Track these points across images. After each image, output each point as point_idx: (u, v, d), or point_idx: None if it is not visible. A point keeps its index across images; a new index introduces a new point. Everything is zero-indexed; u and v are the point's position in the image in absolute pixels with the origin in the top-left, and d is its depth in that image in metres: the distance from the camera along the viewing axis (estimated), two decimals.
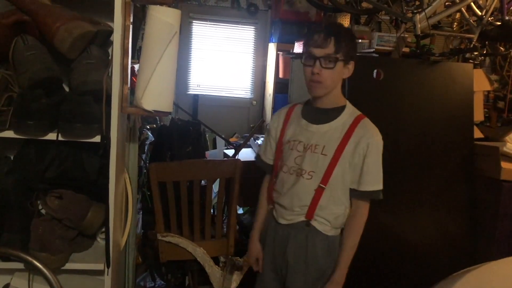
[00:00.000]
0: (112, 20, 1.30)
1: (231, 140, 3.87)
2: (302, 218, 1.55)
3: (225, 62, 4.54)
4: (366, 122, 1.56)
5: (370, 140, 1.51)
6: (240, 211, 3.03)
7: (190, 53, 4.42)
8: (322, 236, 1.55)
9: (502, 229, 2.35)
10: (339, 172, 1.52)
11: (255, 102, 4.65)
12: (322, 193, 1.52)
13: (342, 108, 1.57)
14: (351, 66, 1.53)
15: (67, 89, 1.47)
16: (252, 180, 1.85)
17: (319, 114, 1.57)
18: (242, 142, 3.21)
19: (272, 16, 4.30)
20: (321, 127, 1.55)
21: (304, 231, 1.55)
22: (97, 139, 1.31)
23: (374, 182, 1.53)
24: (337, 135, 1.52)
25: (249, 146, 3.33)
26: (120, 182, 1.53)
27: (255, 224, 1.72)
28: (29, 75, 1.28)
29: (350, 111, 1.57)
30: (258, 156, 1.76)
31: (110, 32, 1.42)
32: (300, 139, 1.56)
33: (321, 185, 1.52)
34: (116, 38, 1.30)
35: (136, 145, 1.91)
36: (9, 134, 1.27)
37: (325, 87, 1.51)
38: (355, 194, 1.55)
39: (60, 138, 1.28)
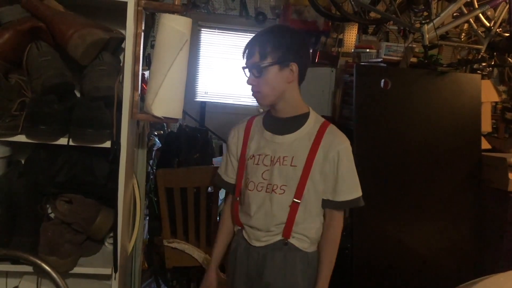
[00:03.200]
0: (124, 27, 1.32)
1: None
2: (279, 238, 1.43)
3: (232, 70, 4.57)
4: (333, 128, 1.45)
5: (340, 146, 1.41)
6: None
7: (198, 61, 4.46)
8: (302, 254, 1.43)
9: (509, 240, 2.33)
10: (312, 184, 1.41)
11: (261, 109, 4.65)
12: (297, 208, 1.40)
13: (306, 115, 1.45)
14: (293, 67, 1.38)
15: (79, 94, 1.49)
16: None
17: (282, 124, 1.45)
18: None
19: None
20: (287, 137, 1.43)
21: (282, 250, 1.43)
22: (107, 144, 1.32)
23: (352, 190, 1.43)
24: (305, 144, 1.42)
25: None
26: (128, 188, 1.54)
27: (214, 253, 1.60)
28: (42, 81, 1.30)
29: (314, 118, 1.46)
30: (218, 176, 1.60)
31: (122, 39, 1.44)
32: (266, 152, 1.44)
33: (295, 200, 1.40)
34: (128, 45, 1.32)
35: (144, 151, 1.93)
36: (21, 138, 1.28)
37: (266, 96, 1.41)
38: (331, 205, 1.44)
39: (71, 143, 1.29)
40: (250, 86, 1.43)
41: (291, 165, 1.40)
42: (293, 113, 1.45)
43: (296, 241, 1.43)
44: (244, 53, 1.43)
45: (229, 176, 1.57)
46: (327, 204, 1.44)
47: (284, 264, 1.43)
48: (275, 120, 1.48)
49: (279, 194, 1.41)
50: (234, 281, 1.52)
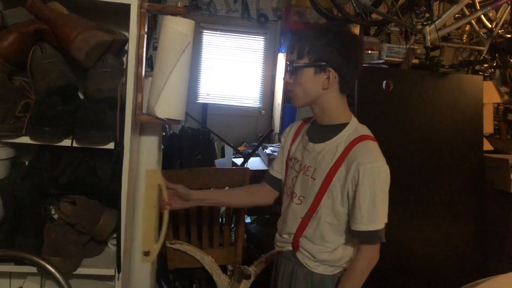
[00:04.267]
0: (127, 29, 1.33)
1: (240, 149, 3.89)
2: (290, 248, 1.39)
3: (234, 71, 4.58)
4: (367, 144, 1.28)
5: (365, 166, 1.23)
6: (248, 220, 3.03)
7: (200, 62, 4.47)
8: (306, 271, 1.36)
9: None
10: (330, 201, 1.30)
11: (263, 111, 4.67)
12: (308, 222, 1.33)
13: (344, 125, 1.32)
14: (331, 73, 1.27)
15: (82, 96, 1.50)
16: None
17: (319, 132, 1.37)
18: (250, 151, 3.22)
19: (282, 27, 4.34)
20: (316, 147, 1.35)
21: (291, 262, 1.40)
22: (110, 145, 1.33)
23: (367, 220, 1.24)
24: (330, 157, 1.30)
25: (258, 155, 3.34)
26: (132, 188, 1.55)
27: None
28: (46, 83, 1.31)
29: (352, 130, 1.32)
30: (267, 171, 1.59)
31: (125, 41, 1.45)
32: (298, 158, 1.40)
33: (308, 213, 1.32)
34: (131, 47, 1.33)
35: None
36: (25, 140, 1.29)
37: (297, 97, 1.33)
38: (352, 234, 1.31)
39: (74, 144, 1.30)
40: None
41: (311, 177, 1.33)
42: (331, 122, 1.34)
43: (302, 256, 1.37)
44: (287, 47, 1.40)
45: (274, 169, 1.55)
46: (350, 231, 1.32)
47: (291, 276, 1.40)
48: (315, 126, 1.41)
49: (296, 204, 1.37)
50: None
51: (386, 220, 1.29)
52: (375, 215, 1.25)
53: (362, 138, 1.29)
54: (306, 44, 1.28)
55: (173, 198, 1.53)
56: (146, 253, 1.47)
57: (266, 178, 1.58)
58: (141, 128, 1.54)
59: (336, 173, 1.28)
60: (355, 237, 1.31)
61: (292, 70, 1.32)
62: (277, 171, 1.54)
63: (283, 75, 1.40)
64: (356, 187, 1.25)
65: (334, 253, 1.34)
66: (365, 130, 1.35)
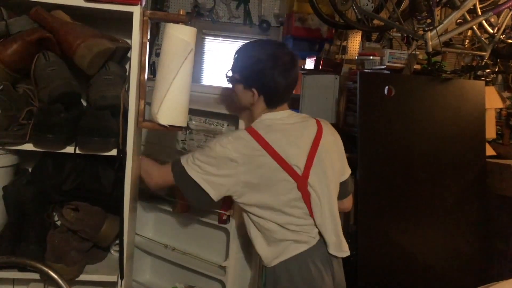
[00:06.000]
0: (130, 37, 1.34)
1: None
2: None
3: None
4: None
5: None
6: None
7: (202, 69, 4.48)
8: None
9: None
10: None
11: None
12: None
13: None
14: (255, 91, 1.41)
15: (85, 104, 1.51)
16: None
17: None
18: None
19: (283, 33, 4.35)
20: None
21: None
22: (113, 152, 1.34)
23: None
24: None
25: None
26: (134, 195, 1.56)
27: None
28: (49, 90, 1.32)
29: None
30: None
31: (128, 48, 1.46)
32: None
33: None
34: (134, 54, 1.34)
35: None
36: (29, 147, 1.30)
37: (235, 101, 1.53)
38: None
39: (77, 151, 1.31)
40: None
41: None
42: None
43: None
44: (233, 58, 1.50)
45: None
46: None
47: None
48: None
49: None
50: None
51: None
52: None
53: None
54: (236, 63, 1.46)
55: None
56: None
57: None
58: None
59: None
60: None
61: (228, 80, 1.49)
62: None
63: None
64: None
65: (255, 247, 1.44)
66: (256, 125, 1.42)
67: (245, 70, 1.42)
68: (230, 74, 1.47)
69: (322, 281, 1.38)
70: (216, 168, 1.33)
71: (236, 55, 1.47)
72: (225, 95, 1.72)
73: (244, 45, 1.48)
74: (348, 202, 1.63)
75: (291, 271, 1.38)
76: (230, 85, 1.50)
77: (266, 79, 1.38)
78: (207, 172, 1.34)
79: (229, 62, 1.49)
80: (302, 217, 1.38)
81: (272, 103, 1.43)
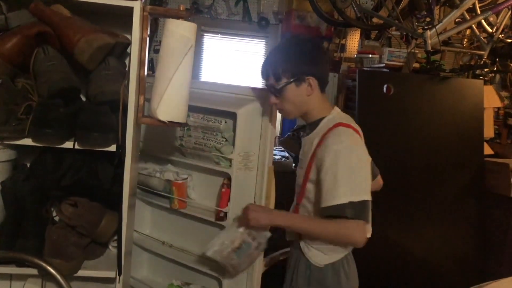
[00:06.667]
0: (129, 32, 1.33)
1: None
2: (293, 237, 1.50)
3: (235, 74, 4.58)
4: (337, 129, 1.34)
5: (329, 148, 1.30)
6: None
7: (201, 65, 4.47)
8: (306, 260, 1.43)
9: None
10: (310, 190, 1.39)
11: None
12: (298, 211, 1.44)
13: (323, 118, 1.43)
14: (311, 80, 1.38)
15: (84, 99, 1.50)
16: None
17: (308, 128, 1.49)
18: None
19: (283, 30, 4.35)
20: (303, 140, 1.49)
21: (296, 251, 1.49)
22: (112, 148, 1.33)
23: (329, 196, 1.27)
24: (310, 148, 1.40)
25: None
26: (133, 190, 1.55)
27: None
28: (49, 85, 1.31)
29: (328, 120, 1.41)
30: None
31: (128, 44, 1.46)
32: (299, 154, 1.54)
33: (297, 202, 1.44)
34: (134, 50, 1.33)
35: None
36: (28, 142, 1.29)
37: (289, 112, 1.45)
38: (320, 213, 1.33)
39: (76, 146, 1.30)
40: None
41: (299, 168, 1.47)
42: (314, 119, 1.45)
43: (303, 245, 1.45)
44: (261, 74, 1.47)
45: None
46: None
47: (294, 265, 1.49)
48: (307, 124, 1.52)
49: (296, 197, 1.49)
50: None
51: (357, 197, 1.27)
52: (335, 192, 1.26)
53: (335, 125, 1.36)
54: (279, 66, 1.39)
55: None
56: None
57: None
58: None
59: (313, 161, 1.37)
60: (323, 216, 1.31)
61: (275, 92, 1.42)
62: None
63: (269, 100, 1.47)
64: (321, 168, 1.30)
65: (313, 246, 1.42)
66: (344, 119, 1.41)
67: (296, 61, 1.38)
68: (273, 82, 1.41)
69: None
70: (367, 170, 1.35)
71: (275, 61, 1.41)
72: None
73: (276, 48, 1.46)
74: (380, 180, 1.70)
75: (337, 269, 1.42)
76: (274, 98, 1.44)
77: (316, 60, 1.39)
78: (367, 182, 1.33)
79: (267, 74, 1.43)
80: None
81: (324, 85, 1.44)
